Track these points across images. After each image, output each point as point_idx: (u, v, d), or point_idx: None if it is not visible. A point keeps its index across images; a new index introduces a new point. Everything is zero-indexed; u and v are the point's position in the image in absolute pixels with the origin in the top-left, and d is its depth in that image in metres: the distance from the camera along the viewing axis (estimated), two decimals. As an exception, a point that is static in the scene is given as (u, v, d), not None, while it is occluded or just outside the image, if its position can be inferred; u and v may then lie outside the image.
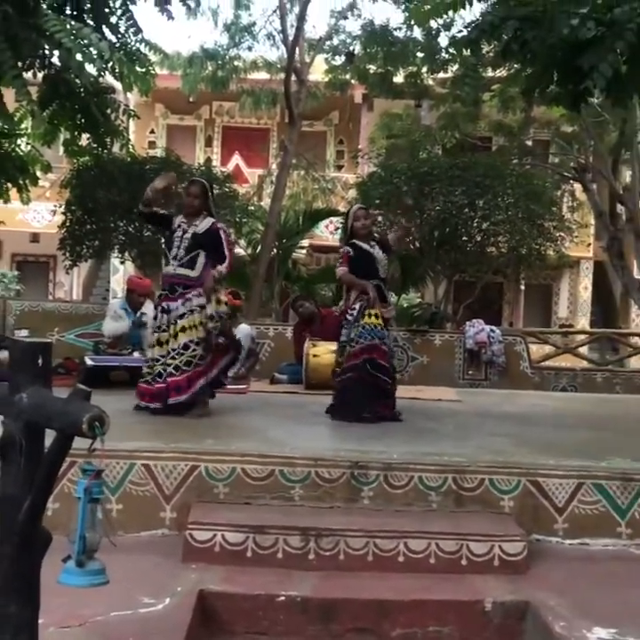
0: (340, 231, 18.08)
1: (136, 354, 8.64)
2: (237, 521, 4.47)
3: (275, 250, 15.45)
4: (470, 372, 10.85)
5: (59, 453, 2.72)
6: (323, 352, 8.79)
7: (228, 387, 7.38)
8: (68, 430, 2.62)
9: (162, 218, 6.80)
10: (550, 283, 23.92)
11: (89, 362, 8.33)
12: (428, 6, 7.33)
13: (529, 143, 19.43)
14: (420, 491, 4.89)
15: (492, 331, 10.99)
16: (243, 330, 8.75)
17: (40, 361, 2.78)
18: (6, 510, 2.72)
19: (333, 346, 7.43)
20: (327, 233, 21.01)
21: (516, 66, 7.13)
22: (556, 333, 16.25)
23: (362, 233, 6.99)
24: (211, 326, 6.49)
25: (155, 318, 6.81)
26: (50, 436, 2.78)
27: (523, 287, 22.31)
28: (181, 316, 6.56)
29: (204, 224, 6.70)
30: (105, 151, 11.12)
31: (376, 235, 7.42)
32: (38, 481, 2.71)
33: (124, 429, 5.40)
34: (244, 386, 8.69)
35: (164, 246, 6.84)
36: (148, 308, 8.89)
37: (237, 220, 13.57)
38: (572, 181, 18.69)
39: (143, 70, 8.67)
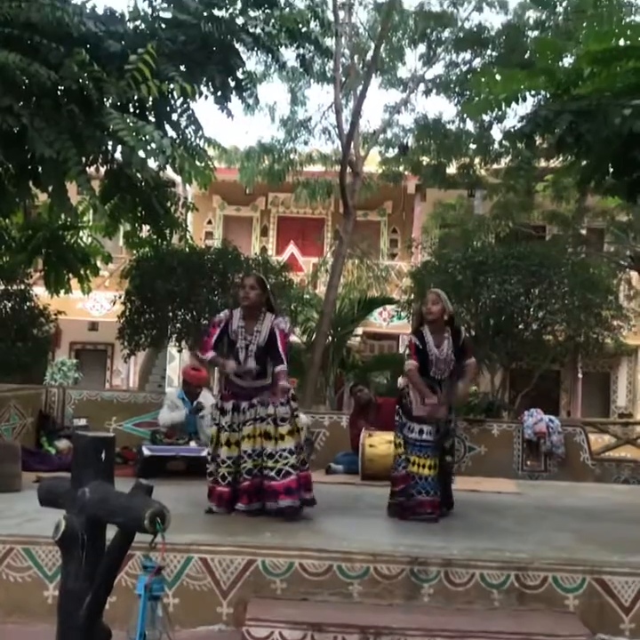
0: (394, 318, 18.55)
1: (192, 443, 8.64)
2: (295, 618, 4.39)
3: (330, 337, 15.58)
4: (529, 463, 10.63)
5: (121, 548, 2.73)
6: (379, 442, 8.68)
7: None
8: (130, 525, 2.64)
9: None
10: (608, 371, 23.55)
11: (146, 451, 8.34)
12: (481, 100, 7.44)
13: (583, 232, 19.41)
14: (481, 588, 4.78)
15: (551, 420, 10.80)
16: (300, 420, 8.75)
17: (103, 456, 2.80)
18: (68, 605, 2.72)
19: (390, 436, 7.32)
20: (381, 320, 21.00)
21: (569, 157, 7.17)
22: (616, 423, 15.95)
23: (428, 319, 6.56)
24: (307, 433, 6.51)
25: (223, 412, 6.47)
26: (110, 530, 2.78)
27: (580, 375, 21.99)
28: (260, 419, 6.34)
29: (264, 329, 6.42)
30: (164, 242, 11.36)
31: (455, 327, 6.78)
32: (100, 576, 2.71)
33: (181, 521, 5.28)
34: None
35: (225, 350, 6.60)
36: (206, 397, 8.99)
37: (293, 308, 13.72)
38: (628, 269, 18.57)
39: (203, 165, 8.87)
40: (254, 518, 6.04)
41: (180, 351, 15.53)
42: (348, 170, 16.17)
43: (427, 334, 6.61)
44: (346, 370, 16.45)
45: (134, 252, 12.38)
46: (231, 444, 6.38)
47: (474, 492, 8.18)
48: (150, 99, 7.91)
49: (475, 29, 16.89)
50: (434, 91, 17.29)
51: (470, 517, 6.53)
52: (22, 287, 13.64)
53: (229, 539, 5.05)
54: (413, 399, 6.56)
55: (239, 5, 8.89)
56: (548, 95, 7.25)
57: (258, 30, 8.66)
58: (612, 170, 6.65)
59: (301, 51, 9.20)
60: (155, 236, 10.87)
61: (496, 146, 16.42)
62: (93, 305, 21.89)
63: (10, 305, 13.65)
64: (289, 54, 9.48)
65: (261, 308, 6.46)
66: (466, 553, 5.00)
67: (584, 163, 7.11)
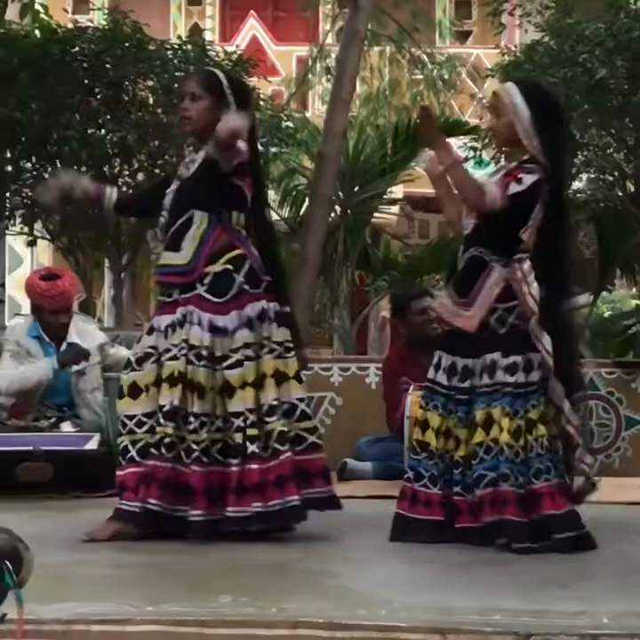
0: (471, 164, 9.00)
1: (66, 426, 5.36)
2: None
3: (337, 208, 9.55)
4: None
5: None
6: None
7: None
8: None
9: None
10: None
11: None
12: None
13: None
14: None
15: None
16: None
17: None
18: None
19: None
20: None
21: None
22: None
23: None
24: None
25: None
26: None
27: None
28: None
29: (199, 157, 3.96)
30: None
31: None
32: None
33: (59, 578, 3.22)
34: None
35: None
36: (84, 331, 5.58)
37: (261, 146, 8.73)
38: None
39: None
40: (201, 567, 3.64)
41: (31, 244, 9.37)
42: None
43: None
44: (373, 272, 10.23)
45: None
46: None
47: (632, 505, 5.02)
48: None
49: None
50: None
51: (621, 552, 3.96)
52: None
53: (150, 608, 2.90)
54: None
55: None
56: None
57: None
58: None
59: None
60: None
61: None
62: None
63: None
64: None
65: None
66: (629, 621, 2.78)
67: None
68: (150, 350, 3.85)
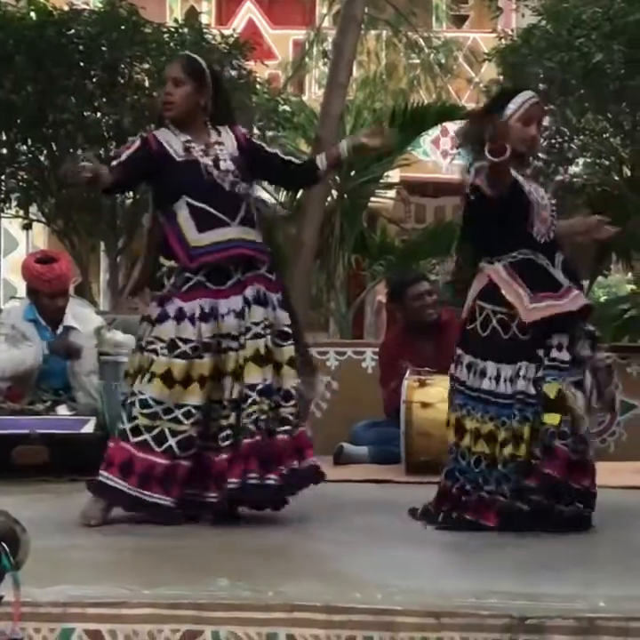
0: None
1: (62, 409, 5.25)
2: None
3: (334, 191, 9.41)
4: None
5: None
6: (440, 397, 4.80)
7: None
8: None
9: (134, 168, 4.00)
10: None
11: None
12: None
13: None
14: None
15: None
16: None
17: None
18: None
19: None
20: (438, 155, 12.53)
21: None
22: None
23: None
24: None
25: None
26: None
27: None
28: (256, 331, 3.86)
29: (227, 140, 3.96)
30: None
31: None
32: None
33: (55, 561, 3.15)
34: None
35: (154, 193, 4.11)
36: (81, 315, 5.51)
37: (257, 130, 8.17)
38: None
39: None
40: (198, 551, 3.61)
41: (26, 227, 9.37)
42: None
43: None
44: (369, 256, 10.18)
45: None
46: (193, 378, 3.81)
47: (628, 489, 4.95)
48: None
49: None
50: None
51: (619, 537, 3.95)
52: None
53: (147, 591, 2.88)
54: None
55: None
56: None
57: None
58: None
59: None
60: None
61: None
62: None
63: None
64: None
65: (199, 117, 3.96)
66: (623, 605, 2.76)
67: None
68: (210, 340, 3.76)
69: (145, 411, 3.73)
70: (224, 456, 3.73)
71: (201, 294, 3.78)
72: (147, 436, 3.73)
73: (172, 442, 3.71)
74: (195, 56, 4.29)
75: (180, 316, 3.74)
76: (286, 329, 3.82)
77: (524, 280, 3.71)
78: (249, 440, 3.70)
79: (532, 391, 3.69)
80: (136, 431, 3.74)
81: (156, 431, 3.73)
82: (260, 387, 3.70)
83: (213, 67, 4.44)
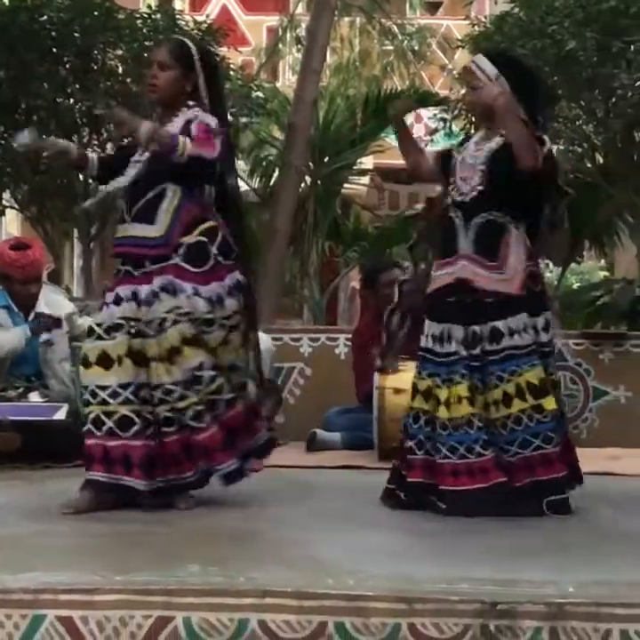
0: (439, 136, 9.09)
1: (34, 396, 5.16)
2: None
3: (307, 178, 9.31)
4: None
5: None
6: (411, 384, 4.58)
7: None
8: None
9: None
10: None
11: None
12: None
13: None
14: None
15: None
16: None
17: None
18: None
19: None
20: None
21: None
22: None
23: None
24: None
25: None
26: None
27: None
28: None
29: (176, 124, 3.84)
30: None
31: None
32: None
33: (27, 547, 3.20)
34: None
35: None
36: (53, 302, 5.46)
37: (231, 117, 7.66)
38: None
39: None
40: (170, 536, 3.55)
41: None
42: None
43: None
44: (343, 243, 10.06)
45: None
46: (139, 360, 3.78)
47: (605, 475, 5.00)
48: None
49: None
50: None
51: (593, 521, 3.93)
52: None
53: (119, 577, 2.80)
54: None
55: None
56: None
57: None
58: None
59: None
60: None
61: None
62: None
63: None
64: None
65: (182, 102, 3.88)
66: (592, 591, 2.75)
67: None
68: (121, 321, 3.73)
69: (82, 399, 3.87)
70: (201, 435, 3.73)
71: (124, 282, 3.81)
72: (89, 425, 3.75)
73: (110, 423, 3.70)
74: (186, 40, 4.23)
75: (108, 302, 3.80)
76: (208, 317, 3.75)
77: None
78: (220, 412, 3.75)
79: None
80: (87, 423, 3.78)
81: (92, 416, 3.74)
82: (198, 369, 3.71)
83: (210, 53, 4.39)
